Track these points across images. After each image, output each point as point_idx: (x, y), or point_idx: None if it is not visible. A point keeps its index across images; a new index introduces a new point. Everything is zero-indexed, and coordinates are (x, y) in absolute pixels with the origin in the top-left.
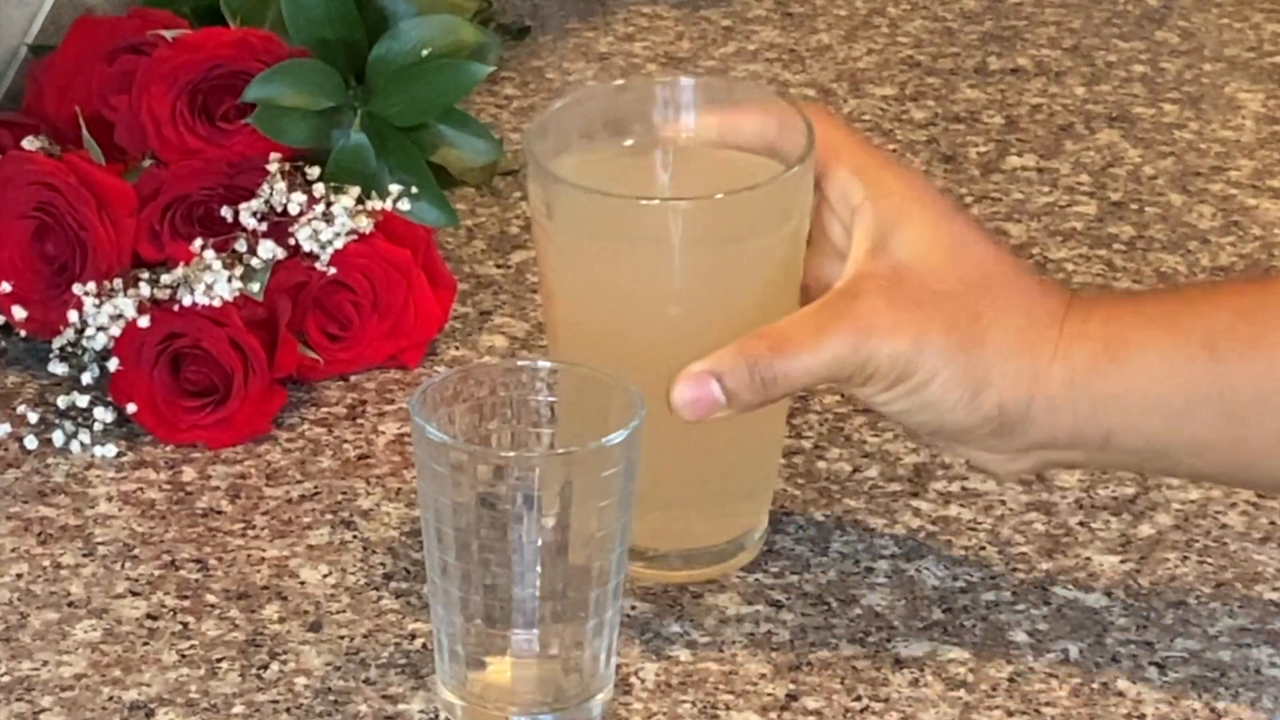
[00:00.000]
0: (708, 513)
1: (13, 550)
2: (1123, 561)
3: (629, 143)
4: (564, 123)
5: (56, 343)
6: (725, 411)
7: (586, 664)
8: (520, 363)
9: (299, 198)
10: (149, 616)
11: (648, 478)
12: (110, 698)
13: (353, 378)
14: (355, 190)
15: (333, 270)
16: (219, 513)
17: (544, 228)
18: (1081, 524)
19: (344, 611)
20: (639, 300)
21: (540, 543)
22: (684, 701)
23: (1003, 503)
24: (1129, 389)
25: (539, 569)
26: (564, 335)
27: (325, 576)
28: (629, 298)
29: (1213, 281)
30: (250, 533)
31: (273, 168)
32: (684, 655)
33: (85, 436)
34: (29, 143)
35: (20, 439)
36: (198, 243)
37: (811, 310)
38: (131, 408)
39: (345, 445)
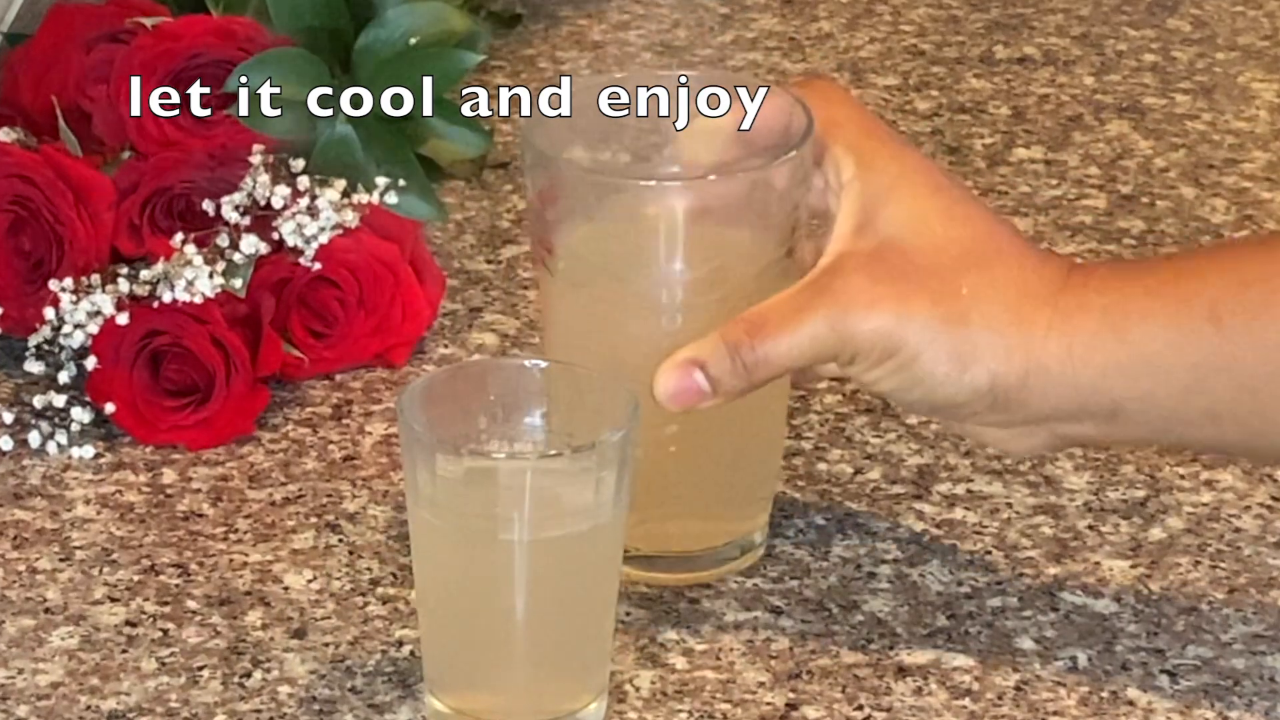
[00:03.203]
0: (707, 515)
1: None
2: (1133, 566)
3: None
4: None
5: (33, 340)
6: (712, 400)
7: (579, 671)
8: (511, 361)
9: (283, 191)
10: (128, 623)
11: (646, 480)
12: (88, 707)
13: (338, 377)
14: (341, 183)
15: (317, 266)
16: (200, 516)
17: (540, 219)
18: (1090, 527)
19: (329, 618)
20: (637, 284)
21: (532, 546)
22: (680, 711)
23: (1009, 505)
24: (1133, 358)
25: (530, 572)
26: (559, 331)
27: (310, 582)
28: (628, 283)
29: (1215, 245)
30: (232, 537)
31: (256, 160)
32: (680, 663)
33: (62, 437)
34: (4, 134)
35: None
36: (178, 237)
37: (792, 291)
38: (110, 408)
39: (330, 446)
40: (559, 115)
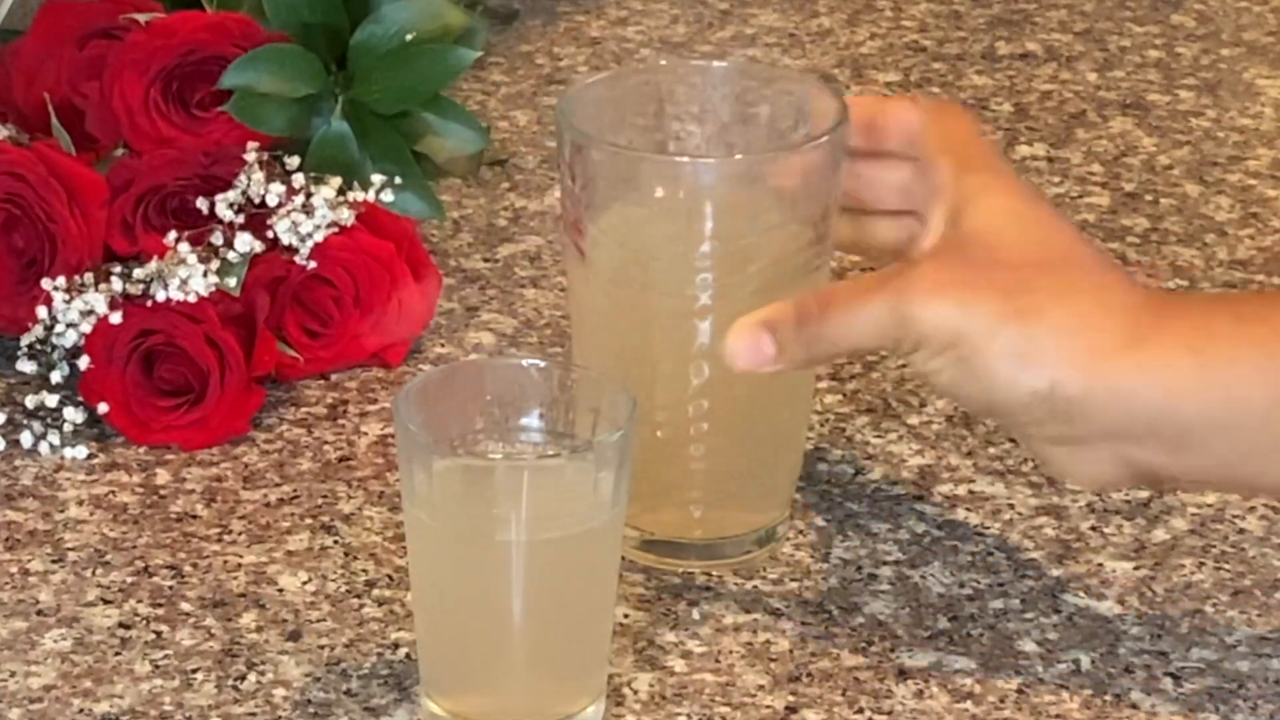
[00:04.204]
0: (728, 504)
1: None
2: (1136, 568)
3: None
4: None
5: (25, 340)
6: (772, 366)
7: (577, 674)
8: (508, 361)
9: (278, 189)
10: (121, 625)
11: (668, 466)
12: (81, 710)
13: (333, 376)
14: (336, 181)
15: (313, 264)
16: (194, 517)
17: (574, 197)
18: (1093, 529)
19: (324, 620)
20: (667, 263)
21: (529, 547)
22: (679, 714)
23: (1011, 507)
24: (1211, 381)
25: (527, 574)
26: (588, 314)
27: (305, 583)
28: (657, 262)
29: None
30: (226, 538)
31: (250, 157)
32: (679, 665)
33: (55, 438)
34: None
35: None
36: (172, 235)
37: (868, 275)
38: (103, 408)
39: (326, 447)
40: (594, 93)
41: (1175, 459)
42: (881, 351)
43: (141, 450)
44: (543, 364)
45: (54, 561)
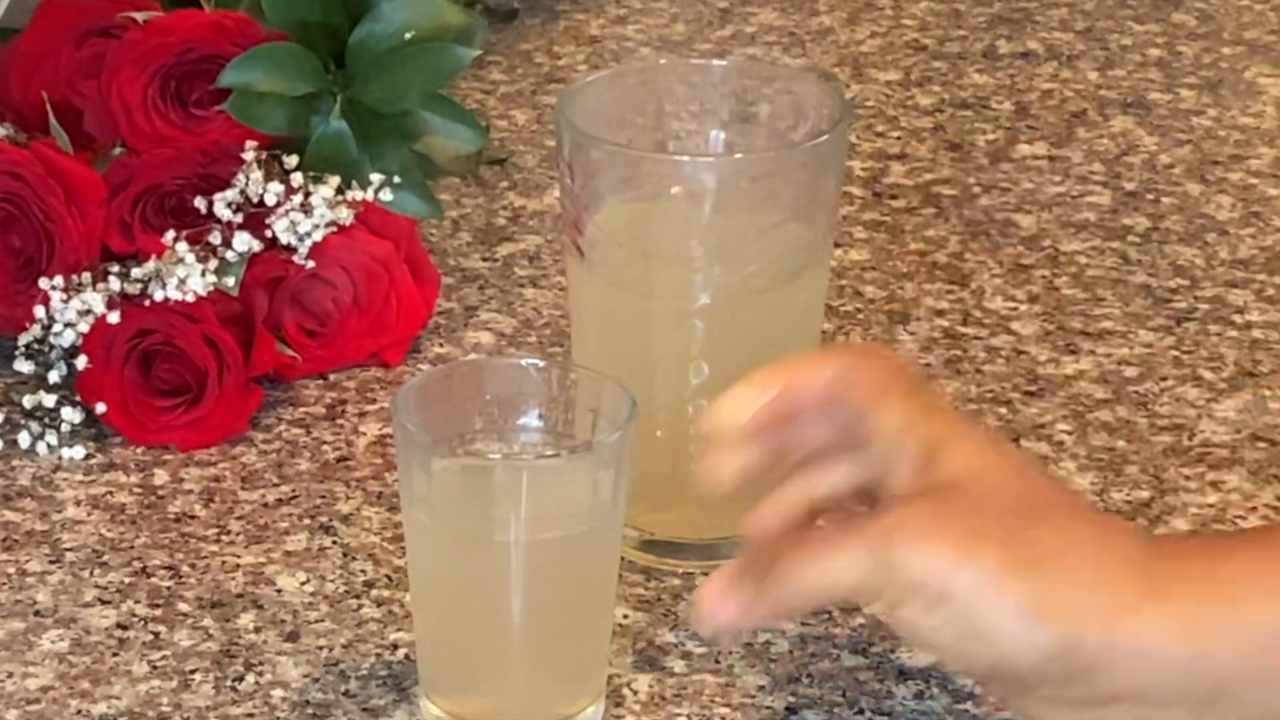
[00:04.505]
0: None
1: None
2: None
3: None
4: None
5: (22, 339)
6: (745, 623)
7: (577, 674)
8: (507, 360)
9: (276, 188)
10: (119, 626)
11: (669, 466)
12: (78, 711)
13: (332, 376)
14: (335, 180)
15: (311, 264)
16: (192, 517)
17: (573, 195)
18: None
19: (323, 621)
20: (666, 262)
21: (528, 547)
22: (679, 715)
23: None
24: (1246, 633)
25: (526, 575)
26: (587, 314)
27: (303, 584)
28: (657, 261)
29: None
30: (225, 538)
31: (248, 156)
32: (678, 666)
33: (52, 438)
34: None
35: None
36: (170, 235)
37: (838, 524)
38: (101, 408)
39: (324, 447)
40: (594, 92)
41: (1196, 717)
42: (859, 604)
43: (139, 450)
44: (542, 364)
45: (51, 562)
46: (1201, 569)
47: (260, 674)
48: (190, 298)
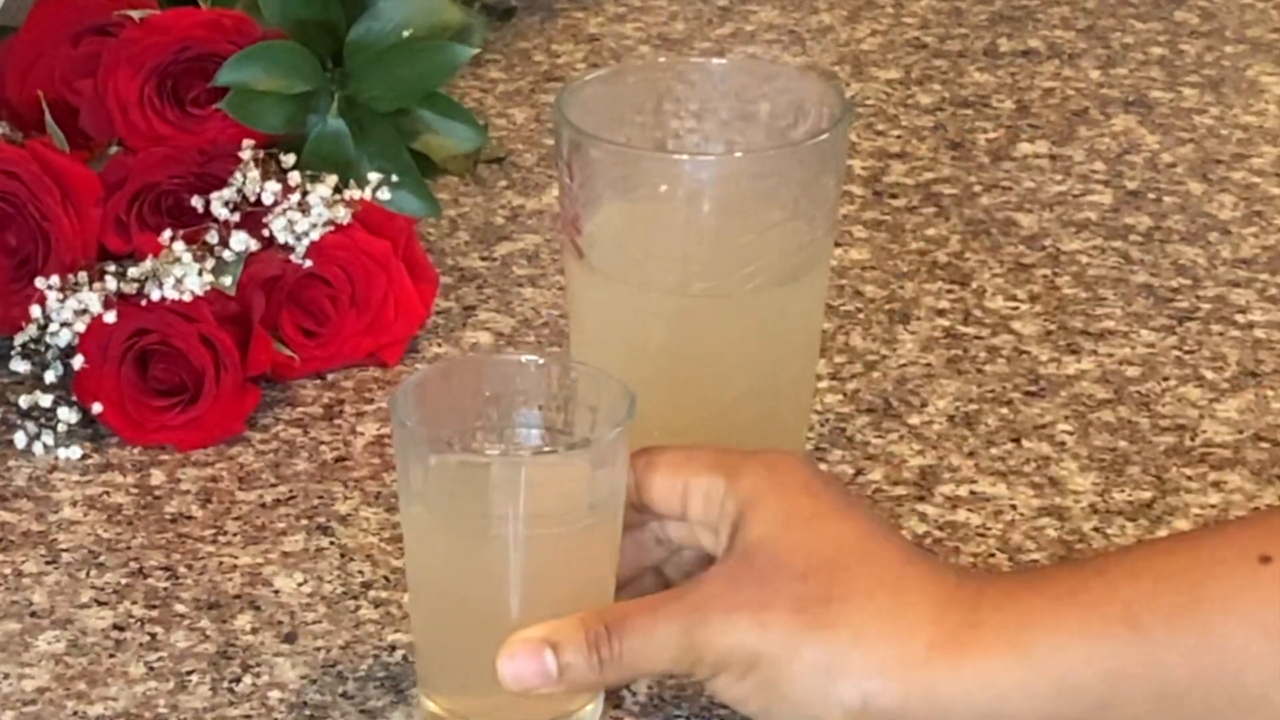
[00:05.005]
0: None
1: None
2: None
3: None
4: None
5: (18, 339)
6: (555, 687)
7: None
8: (506, 357)
9: (273, 187)
10: (115, 627)
11: None
12: (74, 712)
13: (329, 376)
14: (332, 179)
15: (309, 263)
16: (189, 518)
17: (571, 194)
18: (1096, 530)
19: (320, 622)
20: (664, 261)
21: (528, 545)
22: (677, 716)
23: (1013, 507)
24: (1038, 677)
25: (525, 572)
26: (586, 313)
27: (300, 585)
28: (655, 260)
29: (1121, 550)
30: (222, 539)
31: (246, 155)
32: None
33: (48, 438)
34: None
35: None
36: (167, 234)
37: (657, 595)
38: (97, 408)
39: (322, 447)
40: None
41: None
42: (679, 675)
43: (136, 450)
44: (541, 360)
45: (48, 563)
46: (999, 615)
47: (257, 675)
48: (187, 297)
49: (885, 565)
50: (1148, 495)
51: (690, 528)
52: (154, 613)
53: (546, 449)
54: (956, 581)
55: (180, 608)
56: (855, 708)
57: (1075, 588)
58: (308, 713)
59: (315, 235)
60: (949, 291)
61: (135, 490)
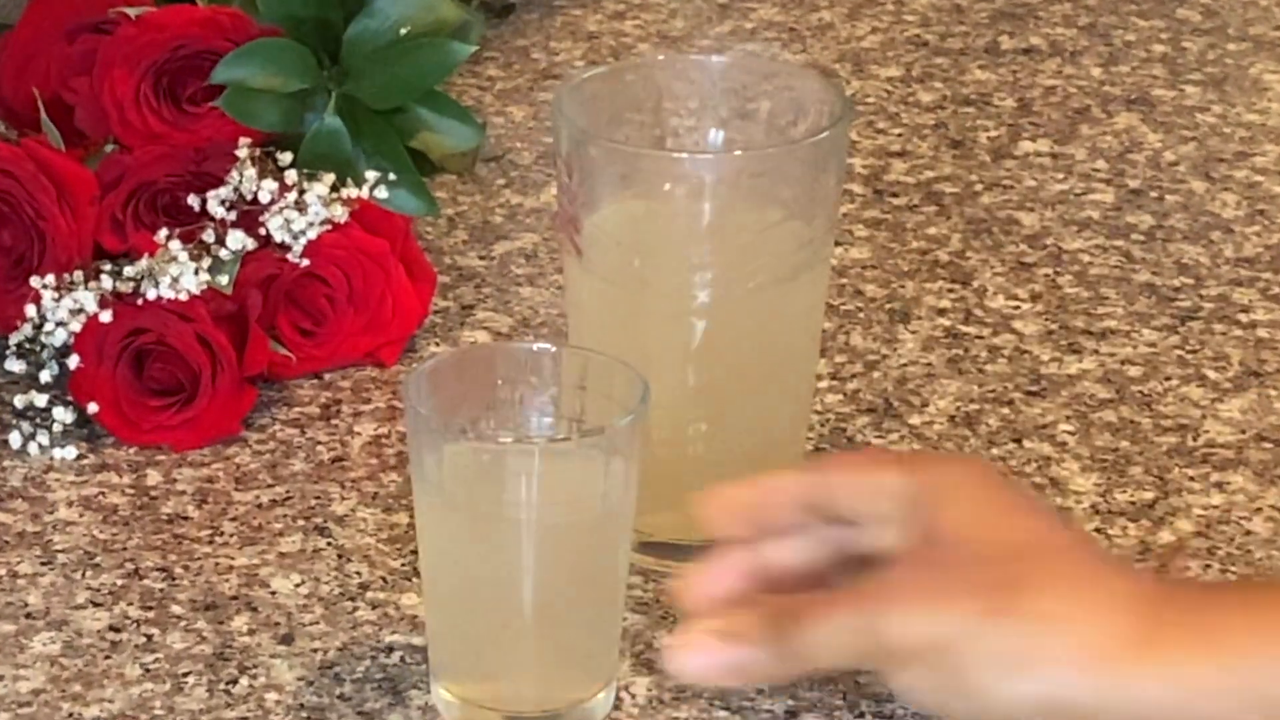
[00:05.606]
0: None
1: None
2: (1142, 570)
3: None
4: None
5: (13, 339)
6: (735, 679)
7: (587, 660)
8: (519, 344)
9: (270, 185)
10: (111, 628)
11: (670, 469)
12: (70, 714)
13: (327, 376)
14: (329, 177)
15: (306, 262)
16: (185, 519)
17: (570, 193)
18: (1098, 530)
19: (317, 623)
20: (665, 261)
21: (539, 532)
22: (677, 717)
23: None
24: (1232, 683)
25: (538, 559)
26: (584, 313)
27: (297, 586)
28: (655, 260)
29: None
30: (218, 540)
31: (242, 153)
32: None
33: (44, 438)
34: None
35: None
36: (163, 233)
37: (841, 590)
38: (93, 407)
39: (319, 447)
40: (591, 88)
41: None
42: (861, 668)
43: (132, 451)
44: (554, 348)
45: (43, 564)
46: (1195, 616)
47: (254, 677)
48: (183, 296)
49: (1078, 558)
50: (1150, 496)
51: (863, 531)
52: (150, 614)
53: (560, 437)
54: (1146, 579)
55: (176, 609)
56: (1043, 698)
57: (1269, 597)
58: (305, 714)
59: (312, 234)
60: (950, 291)
61: (131, 491)
